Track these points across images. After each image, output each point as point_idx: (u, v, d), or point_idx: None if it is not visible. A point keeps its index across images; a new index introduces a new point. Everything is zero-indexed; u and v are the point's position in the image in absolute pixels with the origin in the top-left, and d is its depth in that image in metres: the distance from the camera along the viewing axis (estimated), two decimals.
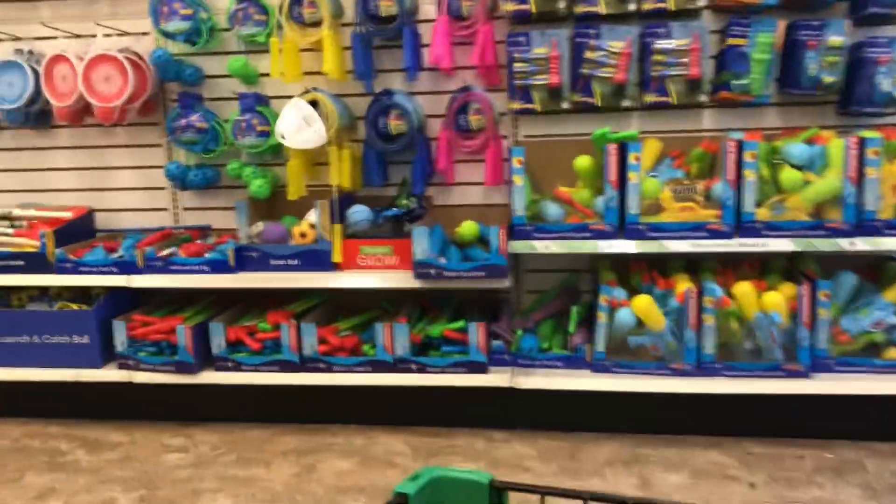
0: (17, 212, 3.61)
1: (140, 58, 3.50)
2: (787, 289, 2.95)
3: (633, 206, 2.95)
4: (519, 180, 3.04)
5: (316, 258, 3.25)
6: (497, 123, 3.38)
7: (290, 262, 3.28)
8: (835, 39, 3.01)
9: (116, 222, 3.85)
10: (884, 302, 2.93)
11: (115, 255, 3.38)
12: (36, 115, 3.67)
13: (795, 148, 2.93)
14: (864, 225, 2.84)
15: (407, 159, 3.44)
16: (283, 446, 3.20)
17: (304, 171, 3.40)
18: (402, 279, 3.13)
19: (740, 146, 2.90)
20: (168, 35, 3.42)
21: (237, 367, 3.27)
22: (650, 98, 3.17)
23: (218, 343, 3.27)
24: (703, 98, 3.17)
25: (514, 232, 3.06)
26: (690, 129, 3.35)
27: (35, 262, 3.38)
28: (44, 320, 3.40)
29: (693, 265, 3.25)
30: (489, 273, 3.02)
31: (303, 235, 3.28)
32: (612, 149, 2.96)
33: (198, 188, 3.63)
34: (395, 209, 3.26)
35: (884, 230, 2.84)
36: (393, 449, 3.13)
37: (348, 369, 3.19)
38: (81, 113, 3.58)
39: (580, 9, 3.14)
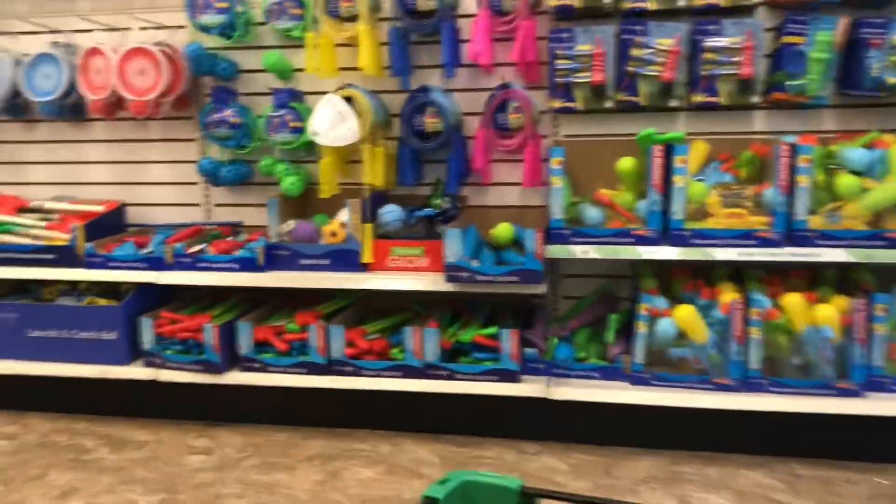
0: (49, 204, 3.59)
1: (175, 51, 3.45)
2: (840, 302, 2.78)
3: (677, 211, 2.81)
4: (557, 182, 2.91)
5: (346, 258, 3.16)
6: (536, 122, 3.26)
7: (319, 261, 3.20)
8: None
9: (148, 217, 3.81)
10: None
11: (145, 251, 3.33)
12: (71, 108, 3.65)
13: (854, 152, 2.77)
14: None
15: (442, 158, 3.34)
16: (307, 451, 3.11)
17: (337, 168, 3.32)
18: (433, 282, 3.02)
19: (794, 150, 2.74)
20: (203, 28, 3.36)
21: (264, 367, 3.19)
22: (699, 98, 3.02)
23: (245, 343, 3.20)
24: (756, 99, 3.00)
25: (552, 235, 2.93)
26: (741, 131, 3.19)
27: (65, 256, 3.35)
28: (72, 315, 3.37)
29: (739, 274, 3.09)
30: (524, 278, 2.90)
31: (333, 234, 3.20)
32: (658, 150, 2.82)
33: (230, 184, 3.57)
34: (427, 209, 3.16)
35: None
36: (420, 458, 3.03)
37: (376, 373, 3.10)
38: (115, 106, 3.55)
39: (627, 4, 3.01)
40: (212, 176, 3.53)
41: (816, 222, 2.75)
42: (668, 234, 2.85)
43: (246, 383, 3.21)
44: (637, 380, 2.93)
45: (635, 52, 3.02)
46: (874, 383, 2.77)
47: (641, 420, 2.99)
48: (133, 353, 3.34)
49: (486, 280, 2.93)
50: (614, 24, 3.09)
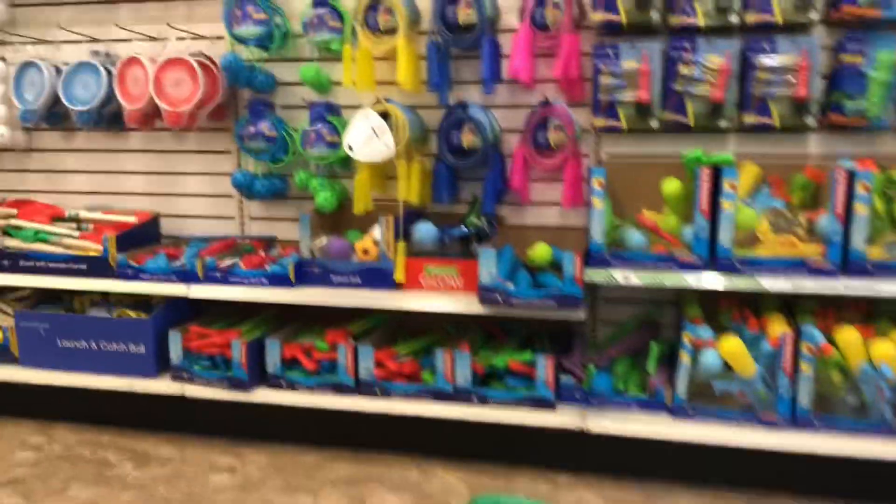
0: (84, 214, 3.57)
1: (212, 62, 3.42)
2: None
3: (725, 238, 2.67)
4: (598, 203, 2.79)
5: (378, 276, 3.08)
6: (578, 141, 3.14)
7: (351, 278, 3.12)
8: None
9: (183, 228, 3.78)
10: None
11: (177, 264, 3.29)
12: (108, 118, 3.64)
13: None
14: None
15: (479, 176, 3.24)
16: (333, 474, 3.02)
17: (373, 184, 3.24)
18: (466, 303, 2.92)
19: (851, 175, 2.59)
20: (240, 39, 3.32)
21: (291, 386, 3.12)
22: (750, 119, 2.88)
23: (273, 360, 3.13)
24: (811, 121, 2.85)
25: (591, 259, 2.81)
26: (794, 154, 3.03)
27: (97, 267, 3.32)
28: (102, 327, 3.33)
29: (790, 304, 2.93)
30: (561, 303, 2.78)
31: (365, 252, 3.11)
32: (705, 173, 2.69)
33: (263, 198, 3.51)
34: (463, 228, 3.06)
35: None
36: (449, 486, 2.91)
37: (405, 396, 3.00)
38: (151, 117, 3.52)
39: (676, 20, 2.88)
40: (245, 189, 3.48)
41: (875, 253, 2.59)
42: (714, 261, 2.71)
43: (273, 402, 3.14)
44: (678, 413, 2.78)
45: (683, 69, 2.89)
46: None
47: (682, 455, 2.84)
48: (161, 366, 3.30)
49: (520, 304, 2.82)
50: (662, 40, 2.97)
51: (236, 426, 3.33)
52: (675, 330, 3.10)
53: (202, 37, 3.57)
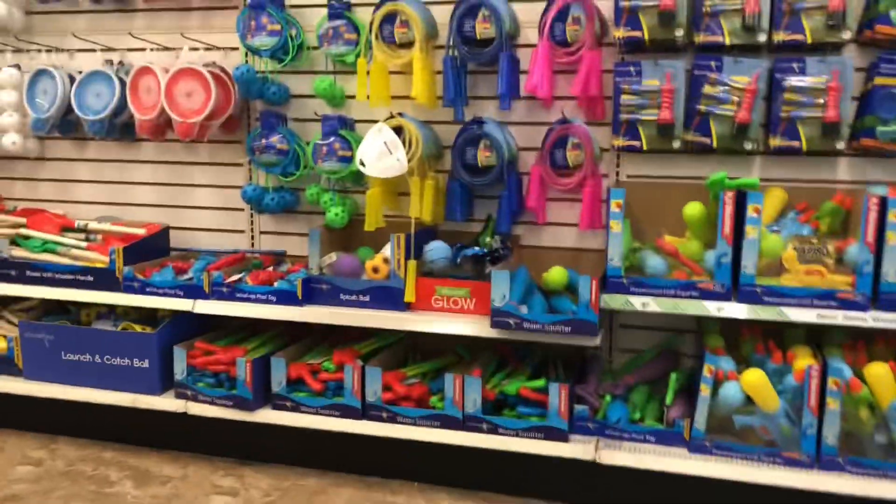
0: (93, 225, 3.52)
1: (225, 73, 3.36)
2: None
3: (749, 265, 2.56)
4: (617, 226, 2.69)
5: (387, 295, 2.99)
6: (597, 161, 3.04)
7: (360, 297, 3.03)
8: None
9: (193, 241, 3.72)
10: None
11: (184, 278, 3.22)
12: (120, 128, 3.59)
13: None
14: None
15: (494, 194, 3.15)
16: (336, 499, 2.93)
17: (385, 200, 3.16)
18: (478, 326, 2.82)
19: (883, 203, 2.46)
20: (254, 50, 3.26)
21: (296, 407, 3.03)
22: (776, 142, 2.77)
23: (278, 380, 3.04)
24: (841, 145, 2.73)
25: (609, 284, 2.71)
26: (822, 179, 2.92)
27: (103, 279, 3.26)
28: (106, 341, 3.27)
29: (816, 336, 2.81)
30: (576, 329, 2.67)
31: (375, 270, 3.03)
32: (729, 197, 2.57)
33: (273, 212, 3.44)
34: (476, 248, 2.96)
35: None
36: None
37: (413, 422, 2.90)
38: (163, 127, 3.47)
39: (701, 38, 2.78)
40: (255, 203, 3.41)
41: None
42: (737, 289, 2.59)
43: (277, 422, 3.05)
44: (697, 448, 2.66)
45: (708, 89, 2.79)
46: None
47: (699, 491, 2.71)
48: (165, 383, 3.23)
49: (534, 328, 2.71)
50: (686, 58, 2.88)
51: (239, 446, 3.25)
52: (695, 360, 2.98)
53: (216, 47, 3.52)
